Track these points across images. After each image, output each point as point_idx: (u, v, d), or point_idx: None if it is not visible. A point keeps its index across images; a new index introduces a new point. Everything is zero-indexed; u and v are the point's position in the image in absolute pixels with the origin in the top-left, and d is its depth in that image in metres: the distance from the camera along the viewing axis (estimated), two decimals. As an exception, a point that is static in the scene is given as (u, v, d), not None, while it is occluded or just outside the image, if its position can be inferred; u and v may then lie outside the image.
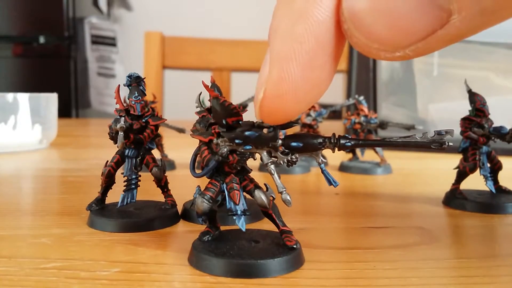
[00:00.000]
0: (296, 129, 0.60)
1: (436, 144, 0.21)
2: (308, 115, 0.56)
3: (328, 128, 0.89)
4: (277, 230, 0.26)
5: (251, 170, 0.26)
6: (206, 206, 0.25)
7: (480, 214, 0.36)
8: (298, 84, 0.18)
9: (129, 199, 0.33)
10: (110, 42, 2.33)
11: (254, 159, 0.26)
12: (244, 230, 0.25)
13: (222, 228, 0.27)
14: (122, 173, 0.33)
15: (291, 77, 0.18)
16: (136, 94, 0.32)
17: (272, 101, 0.19)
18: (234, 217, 0.25)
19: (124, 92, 0.33)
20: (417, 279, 0.23)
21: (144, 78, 0.33)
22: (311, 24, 0.17)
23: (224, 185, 0.25)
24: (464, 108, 0.38)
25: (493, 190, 0.38)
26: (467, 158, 0.38)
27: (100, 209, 0.33)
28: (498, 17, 0.15)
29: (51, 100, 0.77)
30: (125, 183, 0.33)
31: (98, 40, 2.29)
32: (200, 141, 0.25)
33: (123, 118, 0.32)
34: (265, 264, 0.23)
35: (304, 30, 0.17)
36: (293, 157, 0.23)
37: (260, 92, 0.19)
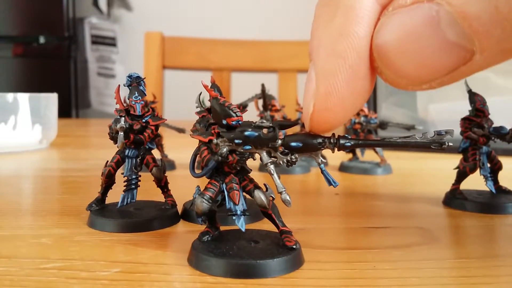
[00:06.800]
0: (296, 129, 0.60)
1: (436, 144, 0.21)
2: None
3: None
4: (276, 231, 0.26)
5: (251, 170, 0.26)
6: (205, 206, 0.25)
7: (480, 214, 0.36)
8: (345, 96, 0.20)
9: (129, 199, 0.33)
10: (110, 42, 2.33)
11: (254, 159, 0.26)
12: (243, 230, 0.25)
13: (222, 228, 0.27)
14: (122, 173, 0.33)
15: (337, 91, 0.19)
16: (136, 94, 0.32)
17: (322, 113, 0.20)
18: (234, 217, 0.25)
19: (124, 92, 0.33)
20: (417, 279, 0.23)
21: (144, 78, 0.33)
22: (353, 40, 0.19)
23: (224, 185, 0.25)
24: (464, 108, 0.38)
25: (493, 190, 0.38)
26: (467, 158, 0.38)
27: (100, 209, 0.33)
28: None
29: (51, 100, 0.77)
30: (125, 183, 0.33)
31: (98, 40, 2.29)
32: (200, 141, 0.25)
33: (123, 118, 0.32)
34: (264, 265, 0.23)
35: (346, 46, 0.19)
36: (293, 157, 0.23)
37: (309, 106, 0.21)
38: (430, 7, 0.17)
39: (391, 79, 0.19)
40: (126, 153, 0.33)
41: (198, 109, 0.28)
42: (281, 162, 0.23)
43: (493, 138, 0.37)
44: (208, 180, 0.26)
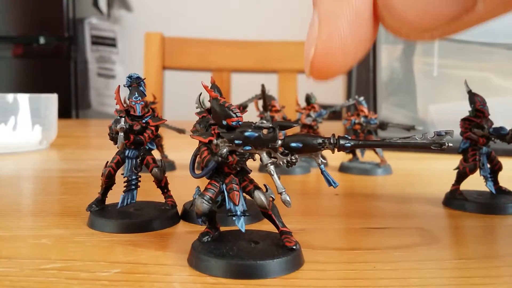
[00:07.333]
0: (296, 129, 0.60)
1: (435, 144, 0.21)
2: (308, 115, 0.56)
3: (328, 128, 0.89)
4: (276, 231, 0.26)
5: (251, 170, 0.26)
6: (205, 206, 0.25)
7: (480, 215, 0.36)
8: (347, 40, 0.20)
9: (129, 200, 0.33)
10: (110, 42, 2.34)
11: (254, 160, 0.26)
12: (243, 231, 0.25)
13: (222, 229, 0.27)
14: (122, 174, 0.33)
15: (340, 34, 0.20)
16: (136, 95, 0.32)
17: (323, 58, 0.20)
18: (234, 218, 0.25)
19: (124, 92, 0.33)
20: (417, 280, 0.23)
21: (144, 78, 0.33)
22: None
23: (224, 186, 0.25)
24: (464, 108, 0.38)
25: (493, 191, 0.38)
26: (467, 158, 0.38)
27: (100, 210, 0.33)
28: None
29: (51, 100, 0.77)
30: (125, 183, 0.33)
31: (98, 41, 2.29)
32: (200, 141, 0.25)
33: (123, 118, 0.32)
34: (264, 265, 0.23)
35: None
36: (293, 157, 0.23)
37: (310, 50, 0.20)
38: None
39: (393, 27, 0.19)
40: (126, 153, 0.33)
41: (198, 110, 0.28)
42: (281, 163, 0.23)
43: (493, 138, 0.37)
44: (208, 180, 0.26)
